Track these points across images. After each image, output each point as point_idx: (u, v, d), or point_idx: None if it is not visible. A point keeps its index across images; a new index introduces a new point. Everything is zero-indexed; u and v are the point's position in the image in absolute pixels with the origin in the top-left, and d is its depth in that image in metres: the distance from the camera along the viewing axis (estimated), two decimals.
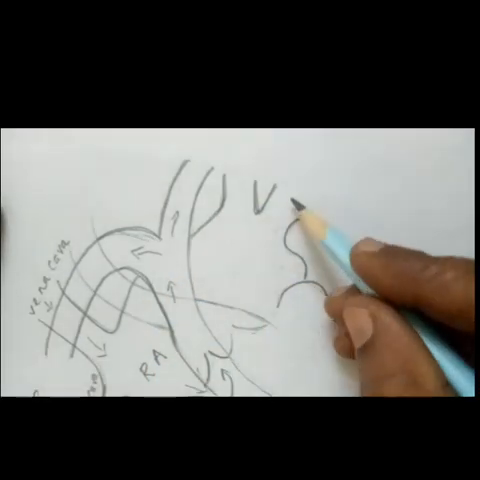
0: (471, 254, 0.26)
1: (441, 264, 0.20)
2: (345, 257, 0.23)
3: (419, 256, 0.21)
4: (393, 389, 0.20)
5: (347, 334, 0.23)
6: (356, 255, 0.23)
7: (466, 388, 0.20)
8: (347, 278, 0.24)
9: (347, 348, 0.25)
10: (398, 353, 0.20)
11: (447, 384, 0.20)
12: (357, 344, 0.22)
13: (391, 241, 0.27)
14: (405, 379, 0.20)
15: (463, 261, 0.21)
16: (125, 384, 0.29)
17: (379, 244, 0.22)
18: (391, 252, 0.22)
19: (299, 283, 0.28)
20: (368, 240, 0.23)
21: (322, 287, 0.28)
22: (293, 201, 0.27)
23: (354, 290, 0.24)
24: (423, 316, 0.21)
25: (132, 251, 0.29)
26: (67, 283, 0.29)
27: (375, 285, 0.22)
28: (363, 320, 0.22)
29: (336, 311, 0.25)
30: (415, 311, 0.21)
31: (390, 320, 0.21)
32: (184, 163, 0.29)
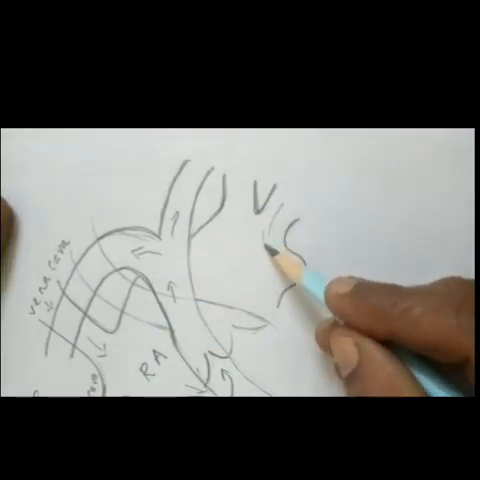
0: (471, 254, 0.26)
1: (409, 299, 0.21)
2: (322, 296, 0.24)
3: (389, 292, 0.22)
4: None
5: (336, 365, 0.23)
6: (330, 298, 0.23)
7: None
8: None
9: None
10: (383, 382, 0.21)
11: None
12: (343, 373, 0.22)
13: (391, 241, 0.27)
14: None
15: (429, 295, 0.21)
16: (125, 384, 0.29)
17: (352, 282, 0.23)
18: (363, 290, 0.22)
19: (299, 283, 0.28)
20: (340, 280, 0.23)
21: None
22: (266, 247, 0.28)
23: (339, 322, 0.24)
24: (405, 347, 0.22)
25: (132, 251, 0.29)
26: (67, 283, 0.29)
27: (351, 324, 0.22)
28: (348, 349, 0.22)
29: (325, 343, 0.25)
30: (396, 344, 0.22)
31: (374, 349, 0.21)
32: (184, 163, 0.29)
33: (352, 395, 0.22)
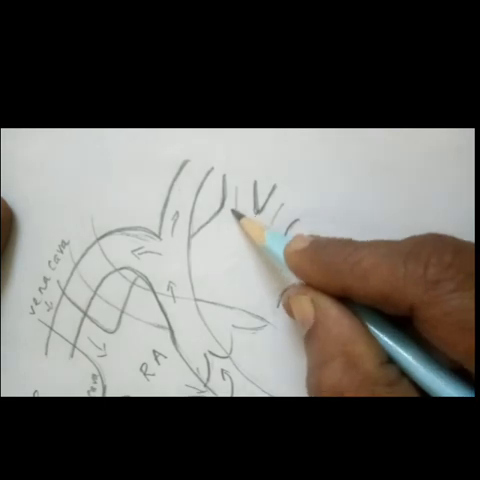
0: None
1: (360, 251, 0.21)
2: (282, 258, 0.24)
3: (345, 246, 0.21)
4: (332, 373, 0.20)
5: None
6: (288, 255, 0.23)
7: (409, 364, 0.20)
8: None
9: None
10: (337, 337, 0.21)
11: (387, 362, 0.20)
12: (303, 332, 0.22)
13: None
14: (344, 361, 0.20)
15: (381, 246, 0.21)
16: (125, 384, 0.29)
17: (309, 239, 0.23)
18: (319, 246, 0.22)
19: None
20: (299, 237, 0.23)
21: None
22: (233, 212, 0.28)
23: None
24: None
25: (132, 251, 0.29)
26: (67, 283, 0.29)
27: (307, 281, 0.22)
28: (305, 306, 0.22)
29: (289, 307, 0.25)
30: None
31: (329, 304, 0.21)
32: (184, 163, 0.29)
33: (308, 354, 0.22)
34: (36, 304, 0.30)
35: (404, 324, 0.21)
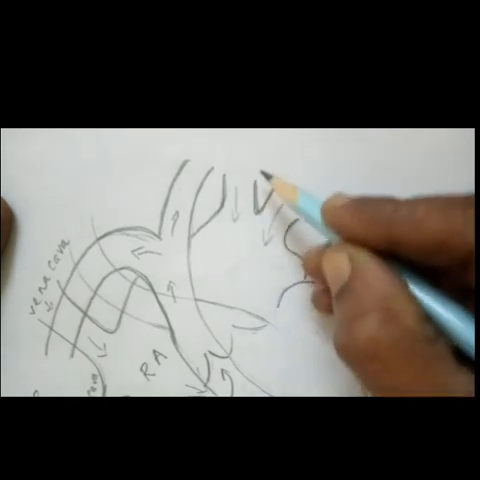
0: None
1: (412, 203, 0.20)
2: (318, 215, 0.23)
3: (390, 200, 0.21)
4: (368, 326, 0.20)
5: (326, 290, 0.23)
6: (327, 210, 0.22)
7: (447, 321, 0.20)
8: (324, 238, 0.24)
9: (326, 302, 0.25)
10: (375, 291, 0.20)
11: (426, 319, 0.20)
12: (334, 289, 0.22)
13: None
14: (382, 315, 0.20)
15: (435, 197, 0.20)
16: (125, 384, 0.29)
17: (347, 197, 0.22)
18: (361, 201, 0.22)
19: (299, 283, 0.28)
20: (338, 194, 0.23)
21: None
22: (262, 173, 0.27)
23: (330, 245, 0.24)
24: (401, 259, 0.21)
25: (132, 251, 0.29)
26: (67, 283, 0.29)
27: (348, 235, 0.22)
28: (341, 262, 0.21)
29: (314, 266, 0.24)
30: (393, 255, 0.21)
31: (368, 259, 0.21)
32: (184, 163, 0.29)
33: (340, 310, 0.21)
34: (36, 304, 0.30)
35: (437, 282, 0.21)
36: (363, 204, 0.21)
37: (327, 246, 0.24)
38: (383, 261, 0.21)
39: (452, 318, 0.20)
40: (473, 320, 0.20)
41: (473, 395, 0.19)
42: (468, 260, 0.19)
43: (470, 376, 0.19)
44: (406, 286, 0.20)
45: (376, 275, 0.20)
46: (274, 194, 0.28)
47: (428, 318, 0.20)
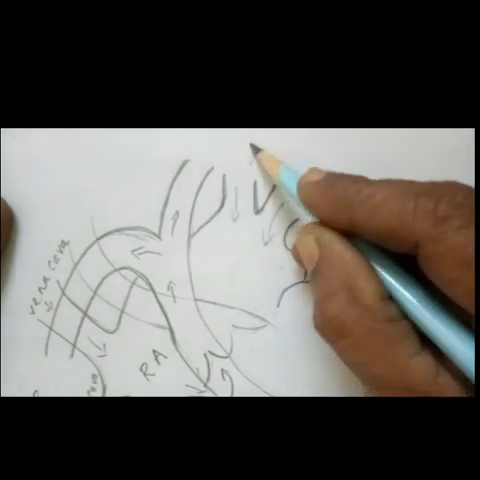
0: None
1: (374, 187, 0.21)
2: (295, 192, 0.23)
3: (357, 180, 0.21)
4: (335, 306, 0.21)
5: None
6: (301, 186, 0.23)
7: (409, 303, 0.20)
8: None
9: None
10: (340, 272, 0.21)
11: (387, 297, 0.21)
12: (309, 271, 0.22)
13: None
14: (345, 295, 0.21)
15: (396, 182, 0.21)
16: (125, 384, 0.29)
17: (322, 172, 0.23)
18: (332, 179, 0.22)
19: (299, 283, 0.28)
20: (313, 170, 0.23)
21: None
22: (251, 145, 0.27)
23: None
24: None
25: (132, 251, 0.29)
26: (67, 283, 0.29)
27: (316, 213, 0.22)
28: (310, 245, 0.22)
29: (296, 251, 0.25)
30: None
31: (332, 241, 0.22)
32: (184, 163, 0.29)
33: (314, 291, 0.22)
34: (36, 304, 0.30)
35: (407, 264, 0.21)
36: (332, 183, 0.22)
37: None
38: (347, 242, 0.22)
39: (411, 299, 0.20)
40: (430, 302, 0.20)
41: (432, 379, 0.19)
42: (417, 251, 0.20)
43: (430, 360, 0.20)
44: (369, 265, 0.21)
45: (340, 256, 0.21)
46: (274, 194, 0.28)
47: (390, 298, 0.21)
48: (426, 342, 0.20)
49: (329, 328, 0.21)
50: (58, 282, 0.30)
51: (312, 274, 0.22)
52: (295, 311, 0.28)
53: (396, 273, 0.21)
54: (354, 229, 0.21)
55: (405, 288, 0.21)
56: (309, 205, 0.23)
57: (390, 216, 0.20)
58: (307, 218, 0.28)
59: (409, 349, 0.20)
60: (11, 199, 0.30)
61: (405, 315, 0.21)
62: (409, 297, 0.20)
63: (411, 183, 0.21)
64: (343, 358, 0.22)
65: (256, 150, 0.27)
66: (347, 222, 0.21)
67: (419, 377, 0.20)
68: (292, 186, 0.24)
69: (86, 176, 0.29)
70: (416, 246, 0.20)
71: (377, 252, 0.21)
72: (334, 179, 0.22)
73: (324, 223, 0.22)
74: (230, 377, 0.28)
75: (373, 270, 0.21)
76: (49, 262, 0.30)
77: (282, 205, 0.28)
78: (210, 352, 0.28)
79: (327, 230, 0.22)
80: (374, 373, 0.20)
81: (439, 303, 0.20)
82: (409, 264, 0.21)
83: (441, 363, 0.20)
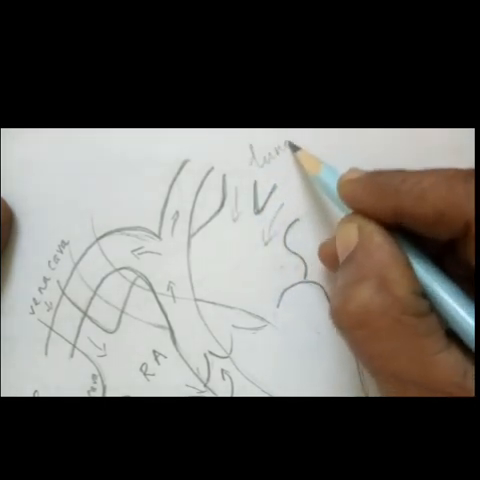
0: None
1: (419, 175, 0.21)
2: (335, 189, 0.24)
3: (400, 172, 0.22)
4: (363, 291, 0.20)
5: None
6: (342, 183, 0.23)
7: (442, 300, 0.20)
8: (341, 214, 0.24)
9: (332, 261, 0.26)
10: (376, 261, 0.21)
11: (420, 294, 0.20)
12: (342, 257, 0.22)
13: None
14: (377, 283, 0.20)
15: (443, 169, 0.21)
16: (125, 384, 0.29)
17: (363, 171, 0.23)
18: (373, 173, 0.22)
19: (299, 283, 0.28)
20: (354, 169, 0.23)
21: (322, 287, 0.28)
22: (289, 144, 0.28)
23: None
24: (408, 233, 0.22)
25: (132, 251, 0.29)
26: (67, 283, 0.29)
27: (359, 207, 0.22)
28: (350, 232, 0.22)
29: (326, 255, 0.26)
30: (401, 229, 0.22)
31: (375, 230, 0.22)
32: (184, 163, 0.29)
33: (343, 274, 0.22)
34: (36, 304, 0.30)
35: (443, 263, 0.21)
36: (375, 176, 0.22)
37: None
38: (389, 234, 0.22)
39: (446, 297, 0.20)
40: (468, 303, 0.20)
41: (459, 377, 0.19)
42: (466, 233, 0.20)
43: (457, 357, 0.19)
44: (406, 259, 0.21)
45: (379, 246, 0.21)
46: (274, 194, 0.28)
47: (423, 293, 0.21)
48: (454, 342, 0.20)
49: (350, 315, 0.21)
50: (58, 282, 0.30)
51: (344, 261, 0.22)
52: (295, 311, 0.28)
53: (433, 270, 0.21)
54: (399, 218, 0.21)
55: (439, 283, 0.21)
56: (351, 199, 0.23)
57: (439, 199, 0.20)
58: (307, 218, 0.28)
59: (436, 345, 0.20)
60: (11, 199, 0.30)
61: (436, 313, 0.20)
62: (444, 295, 0.20)
63: (456, 169, 0.21)
64: (359, 349, 0.21)
65: (294, 148, 0.28)
66: (391, 212, 0.21)
67: (445, 374, 0.19)
68: (332, 183, 0.24)
69: (86, 176, 0.29)
70: (466, 227, 0.20)
71: (416, 248, 0.22)
72: (375, 174, 0.22)
73: (365, 215, 0.22)
74: (230, 377, 0.28)
75: (409, 266, 0.21)
76: (49, 262, 0.30)
77: (282, 205, 0.28)
78: (210, 352, 0.28)
79: (370, 221, 0.22)
80: (395, 367, 0.20)
81: (471, 301, 0.20)
82: (445, 263, 0.21)
83: (469, 362, 0.20)
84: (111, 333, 0.29)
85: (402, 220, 0.21)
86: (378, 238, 0.21)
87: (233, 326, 0.28)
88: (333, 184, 0.24)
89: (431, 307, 0.20)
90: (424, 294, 0.21)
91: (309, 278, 0.28)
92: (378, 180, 0.22)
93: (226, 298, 0.28)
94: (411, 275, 0.21)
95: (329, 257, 0.26)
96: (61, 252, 0.30)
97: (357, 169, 0.23)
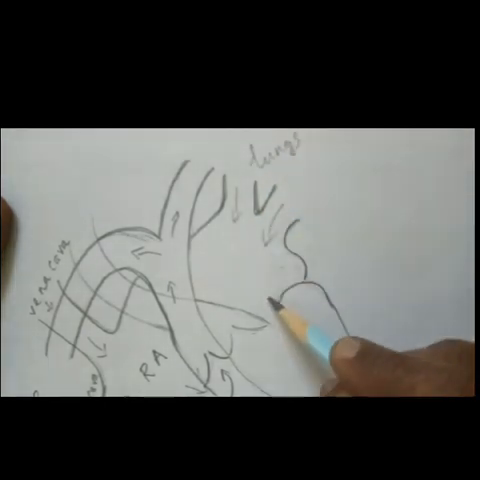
0: (471, 254, 0.26)
1: (414, 376, 0.21)
2: (325, 355, 0.23)
3: (395, 364, 0.22)
4: None
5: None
6: (335, 362, 0.23)
7: None
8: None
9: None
10: None
11: None
12: None
13: (392, 241, 0.27)
14: None
15: (435, 372, 0.21)
16: (125, 384, 0.29)
17: (356, 345, 0.23)
18: (368, 357, 0.22)
19: (299, 283, 0.28)
20: (345, 343, 0.23)
21: (322, 287, 0.28)
22: (270, 300, 0.28)
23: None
24: None
25: (132, 251, 0.29)
26: (67, 283, 0.29)
27: (354, 392, 0.23)
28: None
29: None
30: None
31: None
32: (184, 163, 0.29)
33: None
34: (36, 304, 0.30)
35: None
36: (369, 363, 0.22)
37: (339, 385, 0.24)
38: None
39: None
40: None
41: None
42: None
43: None
44: None
45: None
46: (274, 194, 0.28)
47: None
48: None
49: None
50: (58, 282, 0.30)
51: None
52: (295, 311, 0.28)
53: None
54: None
55: None
56: (346, 383, 0.23)
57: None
58: (307, 218, 0.28)
59: None
60: (11, 199, 0.30)
61: None
62: None
63: (450, 374, 0.21)
64: None
65: (277, 306, 0.27)
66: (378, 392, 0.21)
67: None
68: (322, 350, 0.24)
69: (86, 176, 0.29)
70: None
71: None
72: (370, 357, 0.22)
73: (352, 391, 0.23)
74: (230, 377, 0.28)
75: None
76: (49, 262, 0.30)
77: (282, 205, 0.28)
78: (210, 352, 0.28)
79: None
80: None
81: None
82: None
83: None
84: (111, 333, 0.29)
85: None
86: None
87: (233, 326, 0.28)
88: (322, 352, 0.24)
89: None
90: None
91: (309, 278, 0.28)
92: (374, 371, 0.22)
93: (226, 298, 0.28)
94: None
95: None
96: (61, 252, 0.30)
97: (348, 342, 0.23)
